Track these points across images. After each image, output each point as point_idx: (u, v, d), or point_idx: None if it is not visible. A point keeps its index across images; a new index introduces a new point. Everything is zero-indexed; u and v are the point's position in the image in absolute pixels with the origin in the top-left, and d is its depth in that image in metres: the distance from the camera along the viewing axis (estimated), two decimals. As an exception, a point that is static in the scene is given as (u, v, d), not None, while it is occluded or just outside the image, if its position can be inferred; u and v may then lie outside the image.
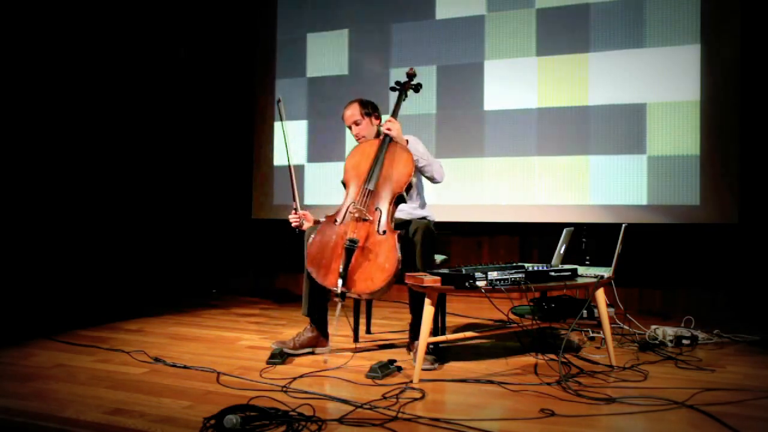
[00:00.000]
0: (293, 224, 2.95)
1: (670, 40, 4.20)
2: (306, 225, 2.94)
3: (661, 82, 4.21)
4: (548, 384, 2.30)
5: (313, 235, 2.74)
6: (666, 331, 3.00)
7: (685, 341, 2.96)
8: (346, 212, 2.74)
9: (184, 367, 2.54)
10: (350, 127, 3.08)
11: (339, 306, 2.58)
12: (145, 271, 5.04)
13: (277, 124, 5.28)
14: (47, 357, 2.76)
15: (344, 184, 2.86)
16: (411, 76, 3.09)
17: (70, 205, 4.48)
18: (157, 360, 2.68)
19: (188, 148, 5.44)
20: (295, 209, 2.95)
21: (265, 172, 5.31)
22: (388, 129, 2.82)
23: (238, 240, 5.44)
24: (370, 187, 2.73)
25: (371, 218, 2.65)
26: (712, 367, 2.55)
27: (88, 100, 4.64)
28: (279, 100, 3.17)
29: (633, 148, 4.27)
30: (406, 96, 3.07)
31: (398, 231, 2.62)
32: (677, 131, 4.18)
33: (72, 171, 4.51)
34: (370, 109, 3.08)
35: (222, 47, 5.48)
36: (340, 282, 2.53)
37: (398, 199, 2.76)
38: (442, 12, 4.82)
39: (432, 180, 2.99)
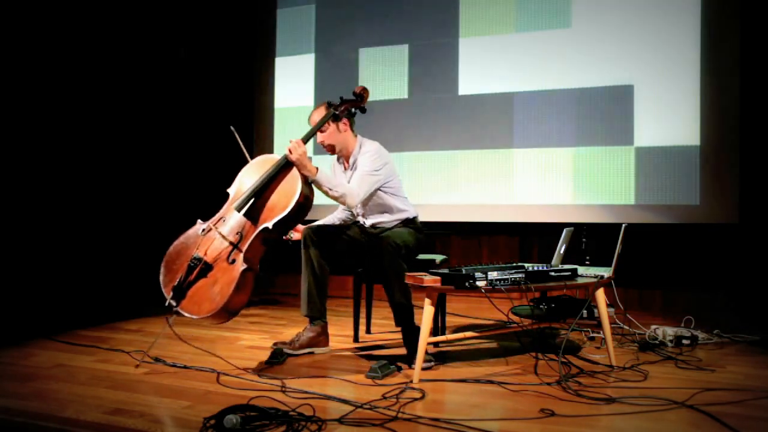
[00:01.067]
0: (283, 238, 2.85)
1: (671, 39, 4.20)
2: (296, 236, 2.86)
3: (661, 83, 4.21)
4: (548, 384, 2.30)
5: (184, 235, 2.58)
6: (666, 331, 3.00)
7: (685, 341, 2.96)
8: (212, 225, 2.55)
9: (184, 367, 2.54)
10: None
11: (171, 318, 2.46)
12: (145, 271, 5.03)
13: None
14: (47, 357, 2.76)
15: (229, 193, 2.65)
16: (359, 96, 2.78)
17: (70, 205, 4.48)
18: (157, 360, 2.67)
19: (188, 148, 5.44)
20: None
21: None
22: (289, 151, 2.54)
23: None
24: (239, 208, 2.51)
25: (228, 241, 2.46)
26: (712, 367, 2.55)
27: (89, 101, 4.63)
28: (231, 128, 2.92)
29: (633, 148, 4.27)
30: (338, 118, 2.78)
31: (247, 266, 2.40)
32: (677, 131, 4.18)
33: (72, 170, 4.51)
34: (340, 112, 2.85)
35: (222, 48, 5.48)
36: (170, 294, 2.41)
37: (265, 232, 2.47)
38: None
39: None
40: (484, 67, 4.66)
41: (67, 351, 2.88)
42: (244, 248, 2.43)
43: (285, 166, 2.55)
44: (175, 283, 2.40)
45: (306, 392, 2.19)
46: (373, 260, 2.80)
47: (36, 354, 2.81)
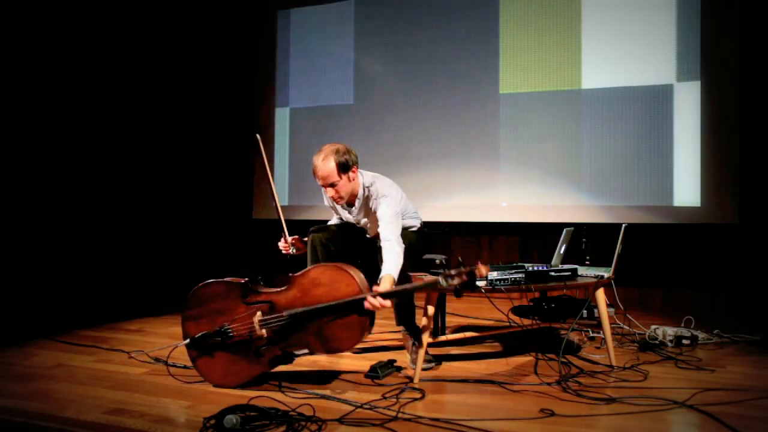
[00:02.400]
0: (283, 252, 2.79)
1: (670, 39, 4.21)
2: (296, 251, 2.79)
3: (662, 83, 4.21)
4: (548, 384, 2.30)
5: (209, 287, 2.36)
6: (666, 331, 3.00)
7: (685, 341, 2.96)
8: (259, 304, 2.32)
9: (184, 367, 2.54)
10: (324, 188, 2.69)
11: (181, 344, 2.36)
12: (145, 271, 5.04)
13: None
14: (47, 357, 2.76)
15: (291, 278, 2.36)
16: (471, 276, 2.17)
17: (70, 205, 4.47)
18: (157, 360, 2.68)
19: (189, 149, 5.44)
20: (284, 238, 2.76)
21: (265, 173, 5.32)
22: (371, 306, 2.22)
23: (239, 240, 5.44)
24: (293, 317, 2.27)
25: (267, 334, 2.28)
26: (712, 367, 2.55)
27: (90, 101, 4.63)
28: (257, 136, 2.79)
29: (633, 149, 4.27)
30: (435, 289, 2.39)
31: (270, 369, 2.32)
32: (678, 132, 4.18)
33: (72, 170, 4.51)
34: (349, 159, 2.64)
35: (224, 47, 5.48)
36: (188, 340, 2.33)
37: (305, 353, 2.30)
38: None
39: None
40: (482, 67, 4.66)
41: (67, 351, 2.88)
42: (278, 351, 2.31)
43: (359, 309, 2.26)
44: (197, 336, 2.30)
45: (306, 392, 2.19)
46: (377, 260, 2.78)
47: (36, 354, 2.81)
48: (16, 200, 4.10)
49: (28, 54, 4.19)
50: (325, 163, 2.61)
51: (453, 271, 2.17)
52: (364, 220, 2.88)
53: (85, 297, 4.39)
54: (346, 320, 2.24)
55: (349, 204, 2.83)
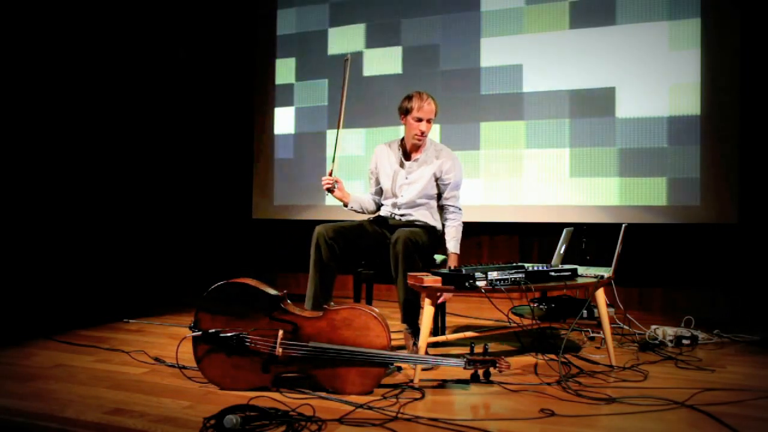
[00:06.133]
0: (325, 186, 2.94)
1: (671, 32, 4.21)
2: (337, 192, 2.96)
3: (661, 83, 4.21)
4: (548, 384, 2.30)
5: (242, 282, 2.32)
6: (666, 331, 3.01)
7: (685, 341, 2.96)
8: (283, 323, 2.26)
9: (184, 367, 2.54)
10: (421, 120, 2.89)
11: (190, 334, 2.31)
12: (145, 271, 5.04)
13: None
14: (47, 357, 2.76)
15: (325, 309, 2.32)
16: (492, 366, 2.26)
17: (70, 206, 4.48)
18: (157, 360, 2.68)
19: (188, 149, 5.44)
20: (331, 172, 2.92)
21: (265, 173, 5.31)
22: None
23: (239, 240, 5.44)
24: (315, 349, 2.22)
25: (279, 355, 2.23)
26: (712, 367, 2.56)
27: (89, 102, 4.64)
28: (347, 59, 2.90)
29: (633, 148, 4.27)
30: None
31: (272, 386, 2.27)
32: (677, 131, 4.17)
33: (72, 171, 4.52)
34: None
35: (222, 48, 5.48)
36: (199, 333, 2.27)
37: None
38: None
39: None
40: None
41: (67, 351, 2.88)
42: (285, 373, 2.27)
43: (381, 363, 2.24)
44: (210, 332, 2.26)
45: (306, 392, 2.20)
46: (389, 256, 2.76)
47: (36, 354, 2.81)
48: (16, 201, 4.10)
49: (27, 53, 4.19)
50: (432, 101, 2.92)
51: (478, 359, 2.24)
52: (411, 177, 2.97)
53: (85, 297, 4.39)
54: (365, 369, 2.21)
55: (407, 158, 3.01)
